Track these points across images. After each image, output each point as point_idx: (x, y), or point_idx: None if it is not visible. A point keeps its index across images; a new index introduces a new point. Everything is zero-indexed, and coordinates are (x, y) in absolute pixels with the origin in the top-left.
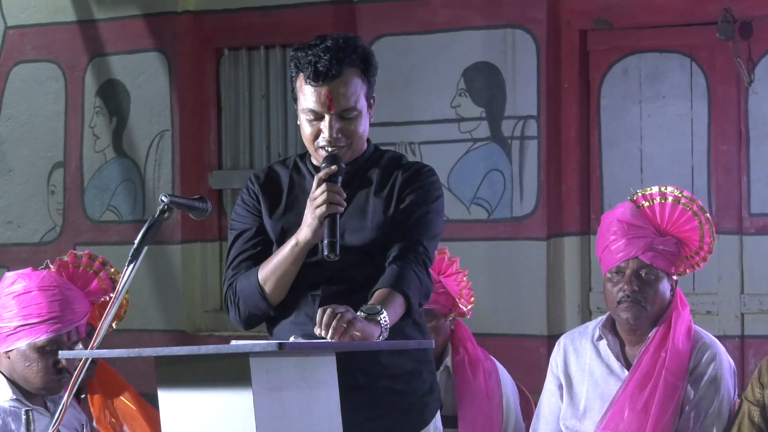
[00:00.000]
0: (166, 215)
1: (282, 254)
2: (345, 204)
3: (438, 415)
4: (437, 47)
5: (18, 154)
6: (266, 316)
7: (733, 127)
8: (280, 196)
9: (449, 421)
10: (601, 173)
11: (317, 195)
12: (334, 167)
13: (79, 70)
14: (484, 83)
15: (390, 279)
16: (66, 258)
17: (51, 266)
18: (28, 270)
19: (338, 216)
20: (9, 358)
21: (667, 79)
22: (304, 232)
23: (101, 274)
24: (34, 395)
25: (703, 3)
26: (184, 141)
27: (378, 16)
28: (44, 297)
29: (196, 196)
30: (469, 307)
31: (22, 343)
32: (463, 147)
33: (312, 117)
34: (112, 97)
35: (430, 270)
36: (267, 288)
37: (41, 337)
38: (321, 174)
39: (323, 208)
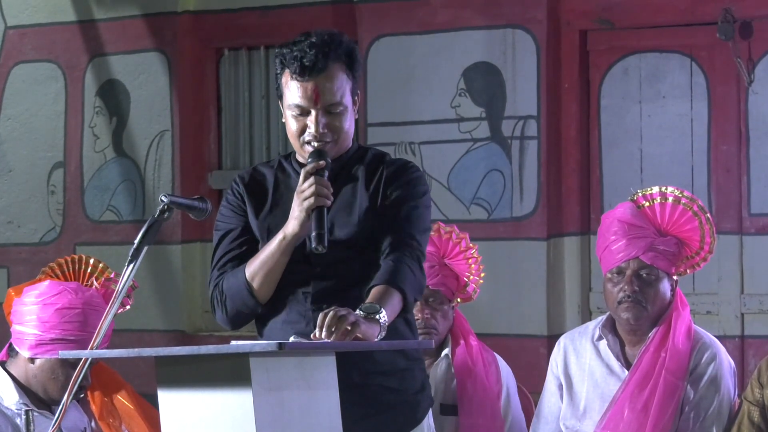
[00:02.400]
0: (166, 215)
1: (269, 249)
2: (332, 198)
3: (430, 413)
4: (437, 47)
5: (18, 154)
6: (253, 314)
7: (733, 127)
8: (266, 196)
9: (449, 410)
10: (601, 173)
11: (305, 188)
12: (322, 162)
13: (79, 70)
14: (484, 83)
15: (386, 275)
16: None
17: (96, 284)
18: (74, 284)
19: (325, 209)
20: (32, 363)
21: (667, 79)
22: (291, 225)
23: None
24: (42, 401)
25: (703, 3)
26: (184, 141)
27: (378, 16)
28: (88, 316)
29: (196, 196)
30: (479, 284)
31: (54, 356)
32: (463, 147)
33: (298, 112)
34: (112, 97)
35: (423, 265)
36: (255, 284)
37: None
38: (308, 168)
39: (311, 200)
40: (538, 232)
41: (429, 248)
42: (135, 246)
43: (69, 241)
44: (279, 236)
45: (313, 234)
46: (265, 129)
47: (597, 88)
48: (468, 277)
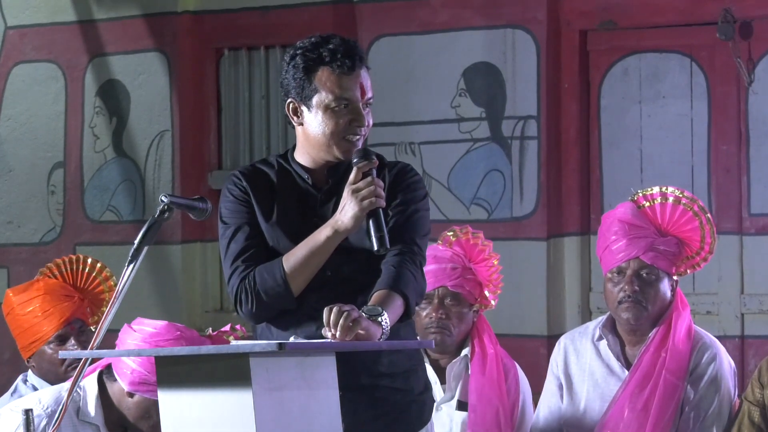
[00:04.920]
0: (166, 215)
1: (315, 244)
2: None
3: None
4: (437, 47)
5: (18, 154)
6: (279, 309)
7: (733, 127)
8: (271, 196)
9: (466, 406)
10: (601, 173)
11: (362, 186)
12: (376, 161)
13: (79, 70)
14: (484, 83)
15: (388, 279)
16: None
17: (211, 332)
18: (190, 332)
19: (381, 210)
20: (131, 398)
21: (667, 79)
22: (345, 222)
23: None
24: (117, 425)
25: (703, 3)
26: (184, 141)
27: (378, 16)
28: None
29: (196, 196)
30: (497, 293)
31: (155, 397)
32: (463, 147)
33: (343, 105)
34: (112, 97)
35: (424, 269)
36: (297, 279)
37: None
38: (362, 165)
39: (372, 200)
40: (538, 232)
41: (455, 249)
42: (135, 246)
43: (69, 241)
44: (326, 232)
45: (375, 236)
46: (265, 129)
47: (597, 88)
48: (488, 286)
